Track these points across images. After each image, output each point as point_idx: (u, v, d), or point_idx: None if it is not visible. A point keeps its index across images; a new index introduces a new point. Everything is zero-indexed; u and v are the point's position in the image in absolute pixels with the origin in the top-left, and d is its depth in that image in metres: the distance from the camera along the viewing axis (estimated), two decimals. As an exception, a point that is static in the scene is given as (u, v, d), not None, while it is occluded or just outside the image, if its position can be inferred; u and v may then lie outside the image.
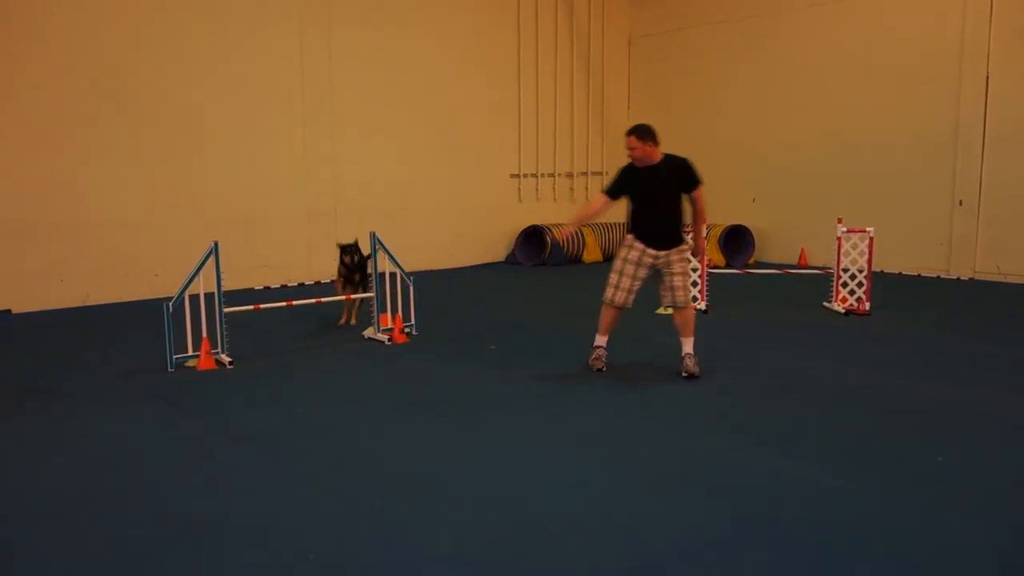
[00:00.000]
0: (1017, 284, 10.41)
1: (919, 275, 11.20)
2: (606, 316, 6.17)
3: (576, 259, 13.43)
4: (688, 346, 6.06)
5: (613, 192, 6.07)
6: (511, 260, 13.51)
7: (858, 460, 4.32)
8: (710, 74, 13.93)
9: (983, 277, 10.87)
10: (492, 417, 5.15)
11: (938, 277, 11.10)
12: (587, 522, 3.62)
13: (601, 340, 6.24)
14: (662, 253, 5.95)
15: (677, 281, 5.98)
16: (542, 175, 14.15)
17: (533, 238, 13.41)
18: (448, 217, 12.88)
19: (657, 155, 5.93)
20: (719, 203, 13.54)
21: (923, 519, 3.61)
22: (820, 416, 5.12)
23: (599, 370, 6.15)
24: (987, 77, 10.66)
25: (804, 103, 12.67)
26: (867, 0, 11.88)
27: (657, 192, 5.92)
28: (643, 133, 5.88)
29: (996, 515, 3.65)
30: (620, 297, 6.04)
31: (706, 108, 14.00)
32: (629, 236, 6.08)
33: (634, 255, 5.99)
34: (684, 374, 5.99)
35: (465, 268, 12.89)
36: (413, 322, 7.60)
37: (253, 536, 3.51)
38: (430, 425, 5.01)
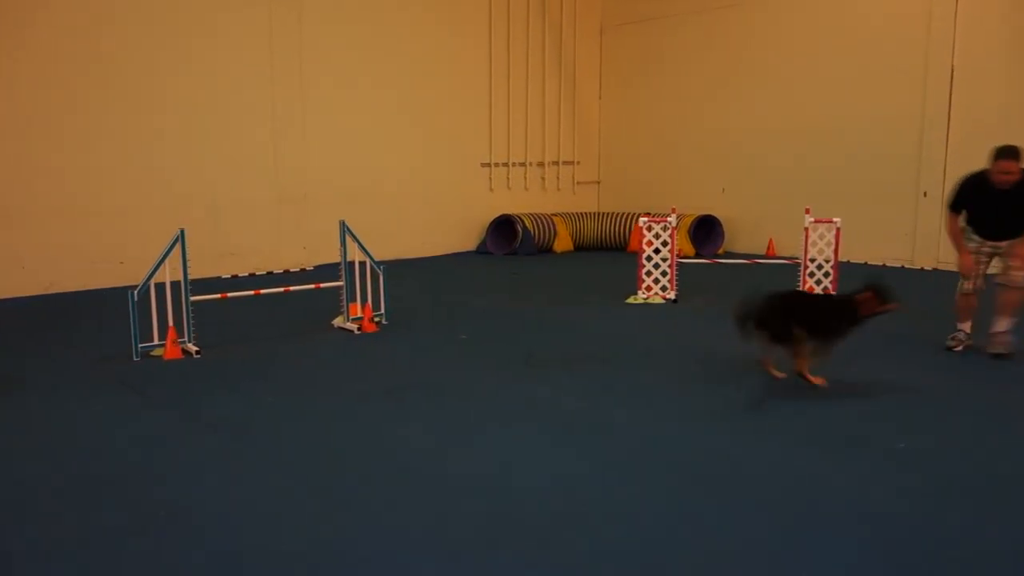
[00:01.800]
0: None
1: (884, 265, 11.37)
2: (964, 303, 6.44)
3: (547, 248, 13.45)
4: (1000, 324, 6.19)
5: (957, 207, 6.38)
6: (482, 249, 13.50)
7: (831, 444, 4.39)
8: (681, 64, 13.98)
9: (945, 267, 11.04)
10: (464, 405, 5.14)
11: (902, 267, 11.28)
12: (563, 508, 3.63)
13: (964, 326, 6.46)
14: (1003, 244, 6.26)
15: (1015, 263, 6.10)
16: (513, 164, 14.13)
17: (504, 227, 13.40)
18: (418, 206, 12.83)
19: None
20: (689, 193, 13.75)
21: (896, 504, 3.67)
22: (796, 402, 5.19)
23: (950, 348, 6.43)
24: (952, 69, 10.83)
25: (774, 94, 12.77)
26: (836, -8, 12.02)
27: (1004, 209, 6.09)
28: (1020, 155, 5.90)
29: (971, 497, 3.74)
30: (970, 284, 6.40)
31: (677, 98, 14.06)
32: (968, 228, 6.36)
33: (973, 246, 6.37)
34: (991, 352, 6.18)
35: (436, 257, 12.85)
36: (383, 311, 7.57)
37: (222, 525, 3.47)
38: (401, 412, 4.99)
